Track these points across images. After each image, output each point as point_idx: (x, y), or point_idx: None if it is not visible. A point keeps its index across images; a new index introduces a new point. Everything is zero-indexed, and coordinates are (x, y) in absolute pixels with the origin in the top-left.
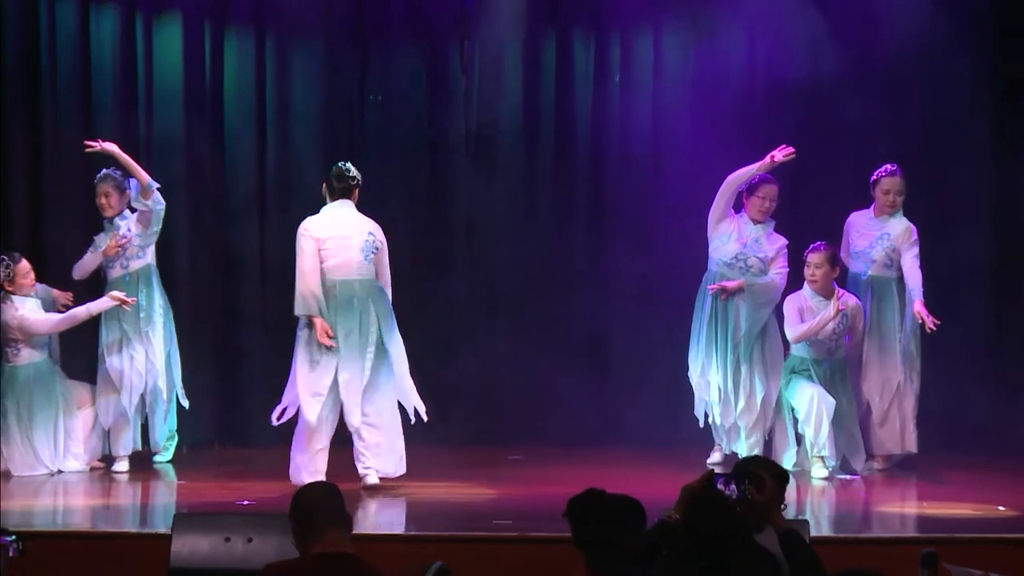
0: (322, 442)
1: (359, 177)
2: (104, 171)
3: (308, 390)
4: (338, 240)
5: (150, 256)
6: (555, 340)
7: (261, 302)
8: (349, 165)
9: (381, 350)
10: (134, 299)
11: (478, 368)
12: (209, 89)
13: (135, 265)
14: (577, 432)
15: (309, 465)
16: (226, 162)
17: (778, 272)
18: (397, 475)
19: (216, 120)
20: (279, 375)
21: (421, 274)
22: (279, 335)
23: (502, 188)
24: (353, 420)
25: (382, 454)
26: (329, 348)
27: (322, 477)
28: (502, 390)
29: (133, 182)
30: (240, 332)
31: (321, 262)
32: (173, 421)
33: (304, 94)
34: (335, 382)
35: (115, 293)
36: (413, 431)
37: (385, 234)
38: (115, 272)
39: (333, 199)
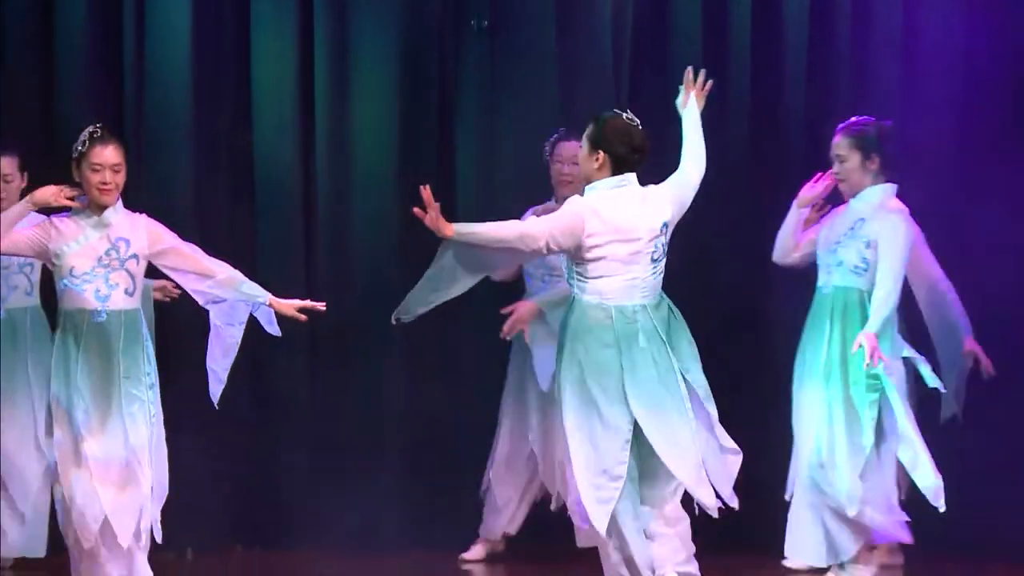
0: None
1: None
2: (97, 127)
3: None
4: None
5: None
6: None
7: (309, 333)
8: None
9: None
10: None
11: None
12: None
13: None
14: None
15: None
16: (255, 137)
17: None
18: None
19: (241, 73)
20: (333, 428)
21: None
22: (329, 372)
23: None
24: None
25: None
26: None
27: None
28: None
29: None
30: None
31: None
32: None
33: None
34: None
35: None
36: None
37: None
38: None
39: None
